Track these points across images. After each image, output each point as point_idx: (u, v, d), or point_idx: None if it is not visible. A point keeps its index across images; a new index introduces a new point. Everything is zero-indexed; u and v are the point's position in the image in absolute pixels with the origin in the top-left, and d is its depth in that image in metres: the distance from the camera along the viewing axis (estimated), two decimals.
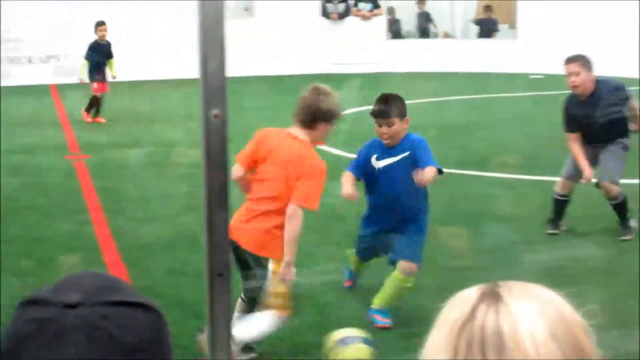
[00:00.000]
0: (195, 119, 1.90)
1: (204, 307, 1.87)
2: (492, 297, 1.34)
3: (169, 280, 7.08)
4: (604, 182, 8.19)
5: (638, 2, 21.54)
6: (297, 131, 5.40)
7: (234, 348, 5.21)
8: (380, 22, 26.00)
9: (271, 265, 5.26)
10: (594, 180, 8.24)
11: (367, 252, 6.50)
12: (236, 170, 5.40)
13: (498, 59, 24.37)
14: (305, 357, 5.63)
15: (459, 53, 25.25)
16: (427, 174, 5.80)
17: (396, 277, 6.11)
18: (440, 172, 5.98)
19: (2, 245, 7.79)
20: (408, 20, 27.26)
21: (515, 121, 16.14)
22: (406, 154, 6.02)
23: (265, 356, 5.60)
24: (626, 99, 8.29)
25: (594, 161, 8.29)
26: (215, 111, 1.81)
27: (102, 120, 16.17)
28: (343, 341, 5.09)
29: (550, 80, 20.88)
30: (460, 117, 16.42)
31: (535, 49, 23.59)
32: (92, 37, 16.53)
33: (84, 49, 16.61)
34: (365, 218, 6.39)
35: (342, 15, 25.56)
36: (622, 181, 8.37)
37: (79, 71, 16.54)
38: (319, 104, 5.33)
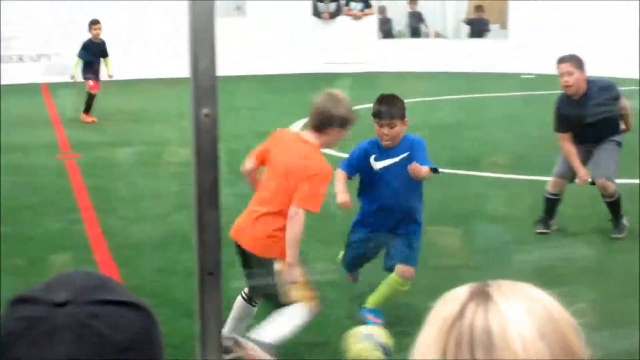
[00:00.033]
0: (187, 117, 1.90)
1: (194, 306, 1.87)
2: (482, 296, 1.35)
3: (160, 279, 7.08)
4: (600, 179, 8.21)
5: (631, 1, 21.60)
6: (308, 135, 5.43)
7: (257, 346, 5.24)
8: (372, 22, 26.00)
9: (278, 265, 5.28)
10: (589, 180, 8.27)
11: (355, 261, 6.43)
12: (246, 163, 5.53)
13: (489, 59, 24.41)
14: (297, 357, 5.63)
15: (450, 53, 25.27)
16: (422, 167, 5.80)
17: (393, 280, 6.11)
18: (435, 171, 5.98)
19: None
20: (399, 20, 27.28)
21: (506, 121, 16.17)
22: (405, 154, 5.97)
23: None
24: (617, 97, 8.31)
25: (586, 161, 8.31)
26: (205, 110, 1.82)
27: (93, 119, 16.12)
28: (367, 336, 5.11)
29: (541, 80, 20.91)
30: (452, 116, 16.43)
31: (526, 49, 23.63)
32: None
33: (76, 48, 16.58)
34: (357, 222, 6.30)
35: (334, 15, 25.56)
36: (622, 181, 8.39)
37: (72, 69, 16.50)
38: (331, 109, 5.36)
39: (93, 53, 16.30)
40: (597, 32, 21.93)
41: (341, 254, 6.61)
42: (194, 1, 1.78)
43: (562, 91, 8.33)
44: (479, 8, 26.75)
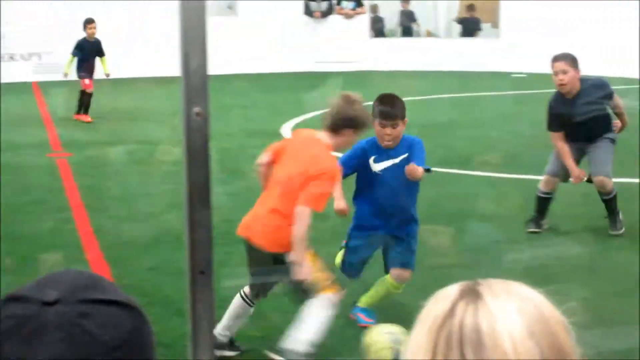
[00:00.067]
0: (179, 116, 1.90)
1: (186, 305, 1.87)
2: (472, 294, 1.35)
3: (152, 278, 7.07)
4: (600, 177, 8.22)
5: (622, 1, 21.65)
6: (323, 135, 5.44)
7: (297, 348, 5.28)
8: (363, 21, 26.02)
9: (289, 257, 5.31)
10: (584, 179, 8.28)
11: (357, 266, 6.27)
12: (262, 156, 5.58)
13: (481, 58, 24.46)
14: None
15: (441, 52, 25.31)
16: (418, 168, 5.79)
17: (388, 282, 6.11)
18: (428, 171, 5.96)
19: None
20: (391, 18, 27.30)
21: (498, 120, 16.19)
22: (405, 155, 5.91)
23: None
24: (610, 95, 8.32)
25: (578, 159, 8.33)
26: (197, 109, 1.81)
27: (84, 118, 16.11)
28: (390, 334, 5.11)
29: (532, 79, 20.96)
30: (443, 115, 16.44)
31: (517, 48, 23.69)
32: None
33: (68, 47, 16.56)
34: (355, 227, 6.18)
35: (325, 14, 25.57)
36: (622, 180, 8.41)
37: (65, 67, 16.44)
38: (346, 111, 5.38)
39: (88, 52, 16.27)
40: (588, 31, 21.98)
41: (338, 257, 6.51)
42: (185, 0, 1.78)
43: (554, 90, 8.34)
44: (470, 7, 26.79)
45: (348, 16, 25.67)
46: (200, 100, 1.82)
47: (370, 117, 5.61)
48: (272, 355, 5.53)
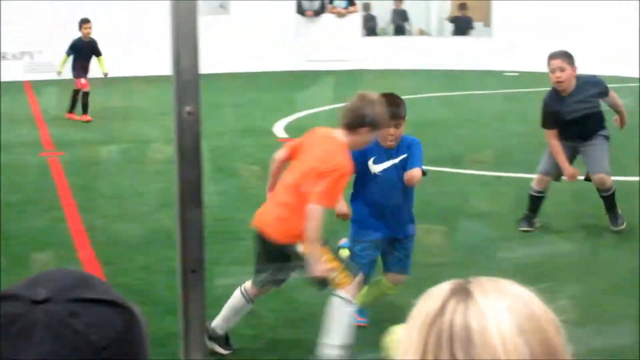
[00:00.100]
0: (170, 115, 1.90)
1: (178, 304, 1.87)
2: (463, 292, 1.35)
3: (144, 277, 7.07)
4: (599, 174, 8.22)
5: (622, 1, 21.72)
6: (339, 133, 5.45)
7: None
8: (356, 19, 26.02)
9: (300, 249, 5.33)
10: (580, 177, 8.29)
11: (371, 265, 6.04)
12: (279, 152, 5.62)
13: (473, 57, 24.47)
14: (282, 354, 5.64)
15: (434, 50, 25.31)
16: (417, 174, 5.78)
17: (383, 284, 6.10)
18: (424, 174, 5.96)
19: None
20: (383, 17, 27.31)
21: (490, 118, 16.20)
22: (405, 155, 5.89)
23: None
24: (605, 93, 8.33)
25: (571, 157, 8.34)
26: (188, 108, 1.81)
27: (77, 117, 16.07)
28: None
29: (524, 78, 20.98)
30: (435, 114, 16.44)
31: (510, 47, 23.70)
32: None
33: (61, 46, 16.53)
34: (356, 233, 5.99)
35: (318, 13, 25.56)
36: (622, 179, 8.41)
37: (59, 66, 16.40)
38: (363, 110, 5.38)
39: (83, 52, 16.24)
40: (587, 31, 21.98)
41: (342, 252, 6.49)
42: (176, 0, 1.78)
43: (546, 88, 8.35)
44: (462, 6, 26.80)
45: (340, 15, 25.66)
46: (192, 99, 1.82)
47: (387, 117, 5.56)
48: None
